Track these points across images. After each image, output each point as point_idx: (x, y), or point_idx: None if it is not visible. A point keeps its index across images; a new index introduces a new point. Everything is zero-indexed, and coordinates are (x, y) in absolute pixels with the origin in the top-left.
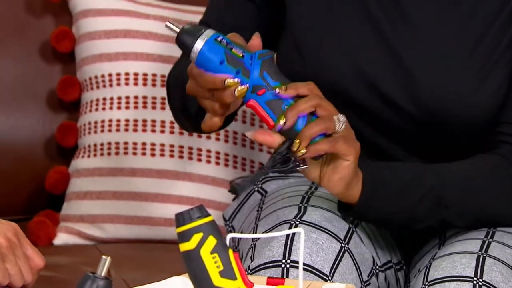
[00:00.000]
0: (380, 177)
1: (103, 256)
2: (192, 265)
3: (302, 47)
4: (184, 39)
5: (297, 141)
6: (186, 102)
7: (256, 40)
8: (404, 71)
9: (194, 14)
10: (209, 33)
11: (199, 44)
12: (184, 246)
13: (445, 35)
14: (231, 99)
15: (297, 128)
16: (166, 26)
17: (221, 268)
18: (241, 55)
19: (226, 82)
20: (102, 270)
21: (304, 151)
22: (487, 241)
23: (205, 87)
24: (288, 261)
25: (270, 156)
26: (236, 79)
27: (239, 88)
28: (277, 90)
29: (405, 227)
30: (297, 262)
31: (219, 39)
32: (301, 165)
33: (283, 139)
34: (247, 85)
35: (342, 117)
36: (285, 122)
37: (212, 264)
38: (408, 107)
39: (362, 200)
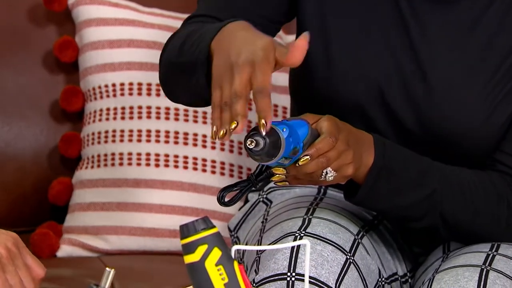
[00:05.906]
0: (389, 167)
1: (107, 268)
2: (196, 277)
3: (312, 64)
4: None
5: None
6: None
7: (302, 41)
8: (417, 98)
9: None
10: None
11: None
12: (189, 258)
13: (461, 66)
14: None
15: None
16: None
17: (226, 280)
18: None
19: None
20: (106, 282)
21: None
22: (491, 254)
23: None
24: (294, 274)
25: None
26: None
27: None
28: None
29: (400, 222)
30: (302, 275)
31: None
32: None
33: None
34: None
35: (330, 173)
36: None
37: (217, 276)
38: (417, 132)
39: (365, 188)
